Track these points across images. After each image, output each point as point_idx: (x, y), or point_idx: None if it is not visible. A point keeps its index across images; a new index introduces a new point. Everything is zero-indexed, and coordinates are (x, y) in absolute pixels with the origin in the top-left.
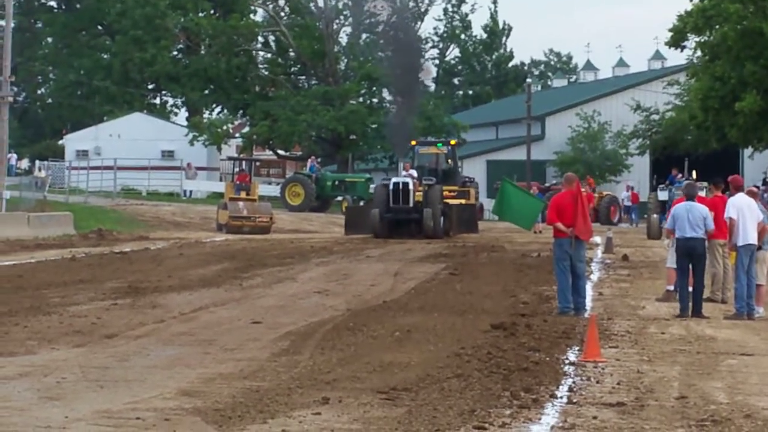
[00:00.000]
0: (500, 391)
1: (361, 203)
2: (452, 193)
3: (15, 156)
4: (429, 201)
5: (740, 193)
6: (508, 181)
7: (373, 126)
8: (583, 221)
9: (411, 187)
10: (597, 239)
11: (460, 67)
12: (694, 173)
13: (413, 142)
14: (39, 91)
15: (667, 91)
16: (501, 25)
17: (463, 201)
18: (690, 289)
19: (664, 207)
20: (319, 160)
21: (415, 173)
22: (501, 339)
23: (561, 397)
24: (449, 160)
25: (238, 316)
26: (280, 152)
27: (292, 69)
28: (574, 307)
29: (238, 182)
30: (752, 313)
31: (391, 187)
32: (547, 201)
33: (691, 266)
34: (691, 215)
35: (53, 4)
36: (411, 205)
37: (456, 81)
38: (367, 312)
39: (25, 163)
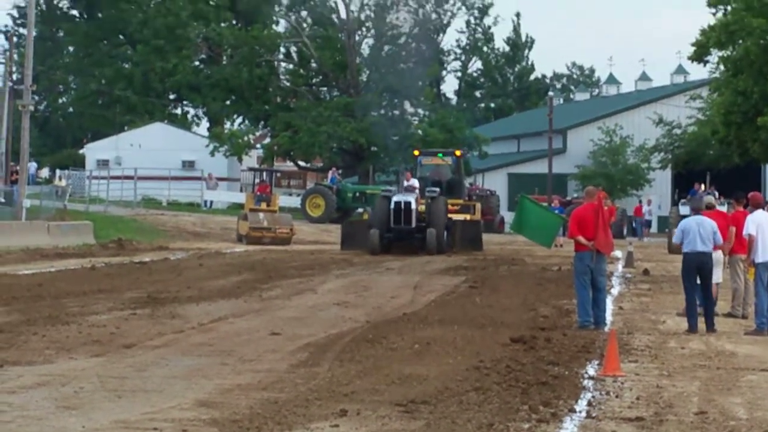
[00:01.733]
0: (519, 404)
1: (361, 210)
2: (455, 207)
3: (35, 165)
4: (432, 217)
5: (760, 209)
6: (526, 197)
7: (394, 138)
8: (605, 235)
9: (414, 206)
10: (618, 253)
11: (482, 80)
12: (702, 186)
13: (416, 152)
14: (60, 100)
15: (690, 106)
16: (523, 38)
17: (467, 216)
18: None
19: None
20: (339, 171)
21: (416, 183)
22: (520, 352)
23: (580, 412)
24: (454, 172)
25: (257, 327)
26: (301, 163)
27: (314, 80)
28: (594, 321)
29: (258, 193)
30: None
31: (392, 206)
32: (568, 215)
33: (700, 280)
34: (702, 229)
35: (75, 13)
36: (413, 225)
37: (478, 93)
38: (386, 324)
39: (45, 172)
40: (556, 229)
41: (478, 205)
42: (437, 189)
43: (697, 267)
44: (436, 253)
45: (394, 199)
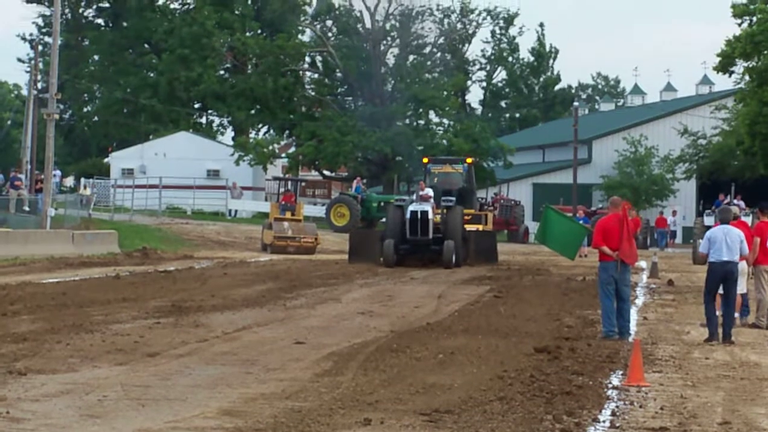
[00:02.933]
0: (543, 414)
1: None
2: (467, 217)
3: (59, 173)
4: (449, 228)
5: None
6: (550, 208)
7: (420, 148)
8: (629, 245)
9: (431, 216)
10: (642, 264)
11: (507, 90)
12: (728, 197)
13: (425, 160)
14: (85, 109)
15: (715, 116)
16: (548, 48)
17: (480, 227)
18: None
19: None
20: (364, 181)
21: (431, 192)
22: (544, 362)
23: (604, 422)
24: (466, 181)
25: (281, 336)
26: (326, 173)
27: (339, 90)
28: (619, 331)
29: (283, 202)
30: None
31: (408, 216)
32: (593, 225)
33: (724, 290)
34: (729, 238)
35: (100, 21)
36: (430, 236)
37: (503, 103)
38: (410, 334)
39: (70, 181)
40: (580, 240)
41: (491, 215)
42: (452, 198)
43: (722, 277)
44: (453, 266)
45: (411, 208)
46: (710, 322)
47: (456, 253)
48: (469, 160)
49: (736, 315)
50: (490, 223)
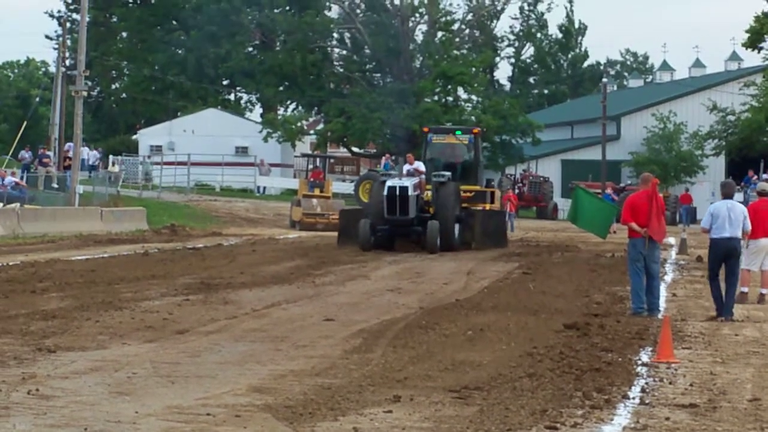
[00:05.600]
0: (572, 391)
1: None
2: (468, 194)
3: (87, 149)
4: (439, 206)
5: None
6: (581, 188)
7: (448, 124)
8: (657, 222)
9: (411, 192)
10: (671, 240)
11: (535, 66)
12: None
13: (425, 129)
14: (113, 86)
15: (744, 92)
16: (576, 24)
17: (486, 206)
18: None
19: None
20: (393, 157)
21: (422, 166)
22: (574, 339)
23: (633, 398)
24: (472, 153)
25: (311, 313)
26: (355, 149)
27: (367, 66)
28: (648, 307)
29: (312, 179)
30: None
31: (385, 192)
32: (621, 202)
33: (726, 267)
34: (733, 214)
35: None
36: (411, 215)
37: (531, 80)
38: (439, 310)
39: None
40: (610, 219)
41: (497, 193)
42: (447, 173)
43: (725, 253)
44: (438, 251)
45: (388, 183)
46: (716, 300)
47: (444, 235)
48: (475, 131)
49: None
50: (497, 201)
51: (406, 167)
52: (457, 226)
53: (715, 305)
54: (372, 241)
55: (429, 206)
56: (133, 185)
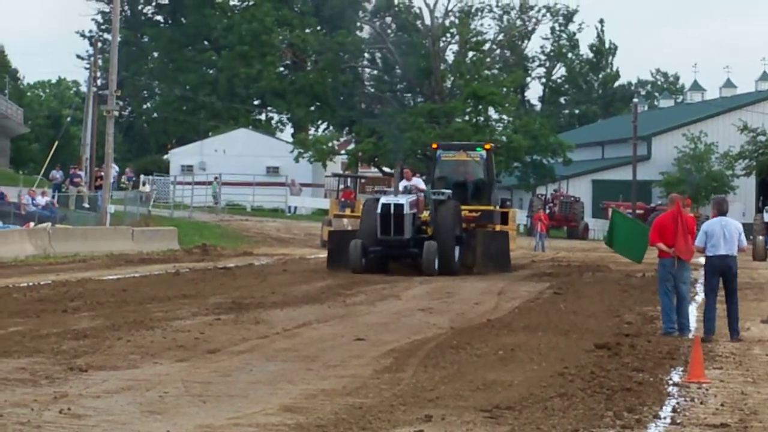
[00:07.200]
0: (603, 410)
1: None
2: (473, 215)
3: (117, 169)
4: (438, 225)
5: None
6: (617, 212)
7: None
8: (684, 241)
9: (406, 210)
10: (701, 260)
11: (566, 86)
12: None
13: (434, 145)
14: (144, 106)
15: None
16: (607, 45)
17: (496, 227)
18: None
19: None
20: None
21: (422, 184)
22: (605, 359)
23: (664, 418)
24: (484, 171)
25: (342, 332)
26: (386, 169)
27: (398, 86)
28: (678, 327)
29: (342, 199)
30: None
31: (379, 210)
32: (650, 222)
33: (725, 285)
34: (727, 231)
35: (160, 18)
36: (406, 236)
37: (562, 100)
38: (470, 330)
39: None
40: (646, 242)
41: (513, 213)
42: (447, 191)
43: (721, 271)
44: (437, 274)
45: (382, 200)
46: (707, 320)
47: (443, 257)
48: (487, 146)
49: None
50: (512, 222)
51: (402, 183)
52: (457, 248)
53: (705, 325)
54: (363, 263)
55: (427, 226)
56: (164, 205)
